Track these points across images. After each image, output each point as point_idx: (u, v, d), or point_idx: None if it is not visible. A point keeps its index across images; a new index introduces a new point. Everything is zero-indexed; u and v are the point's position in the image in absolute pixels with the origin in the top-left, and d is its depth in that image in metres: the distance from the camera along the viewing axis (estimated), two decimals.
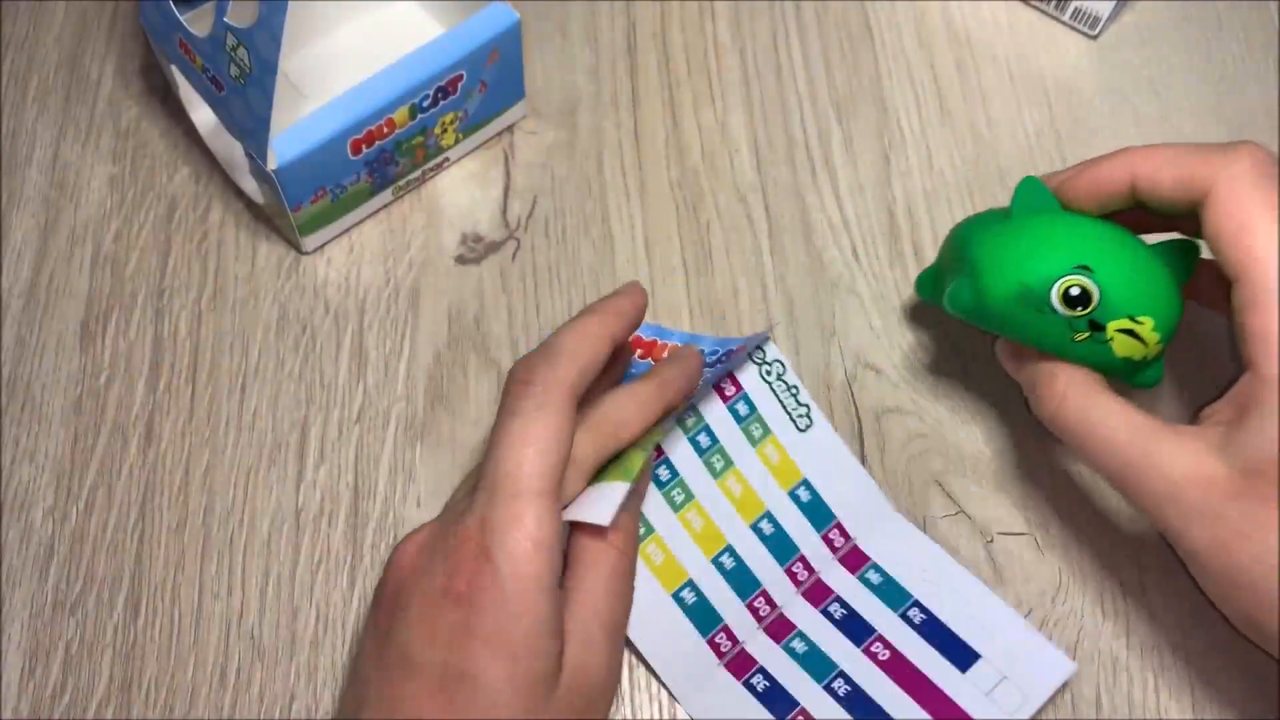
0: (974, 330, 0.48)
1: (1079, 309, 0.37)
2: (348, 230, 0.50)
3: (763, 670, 0.41)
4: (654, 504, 0.42)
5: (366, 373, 0.47)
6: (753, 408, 0.44)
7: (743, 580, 0.42)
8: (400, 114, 0.46)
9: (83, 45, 0.55)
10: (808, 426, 0.45)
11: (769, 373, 0.45)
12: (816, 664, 0.41)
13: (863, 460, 0.45)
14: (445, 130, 0.49)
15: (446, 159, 0.51)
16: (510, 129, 0.53)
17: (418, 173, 0.50)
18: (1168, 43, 0.55)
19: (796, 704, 0.40)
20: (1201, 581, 0.37)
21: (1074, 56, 0.55)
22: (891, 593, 0.42)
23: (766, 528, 0.43)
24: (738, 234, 0.50)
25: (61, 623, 0.42)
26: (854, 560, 0.43)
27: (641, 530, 0.41)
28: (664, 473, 0.43)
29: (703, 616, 0.41)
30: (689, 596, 0.42)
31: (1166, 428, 0.37)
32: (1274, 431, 0.34)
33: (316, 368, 0.47)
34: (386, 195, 0.50)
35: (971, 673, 0.40)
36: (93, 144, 0.52)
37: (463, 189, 0.51)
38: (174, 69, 0.47)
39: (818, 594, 0.43)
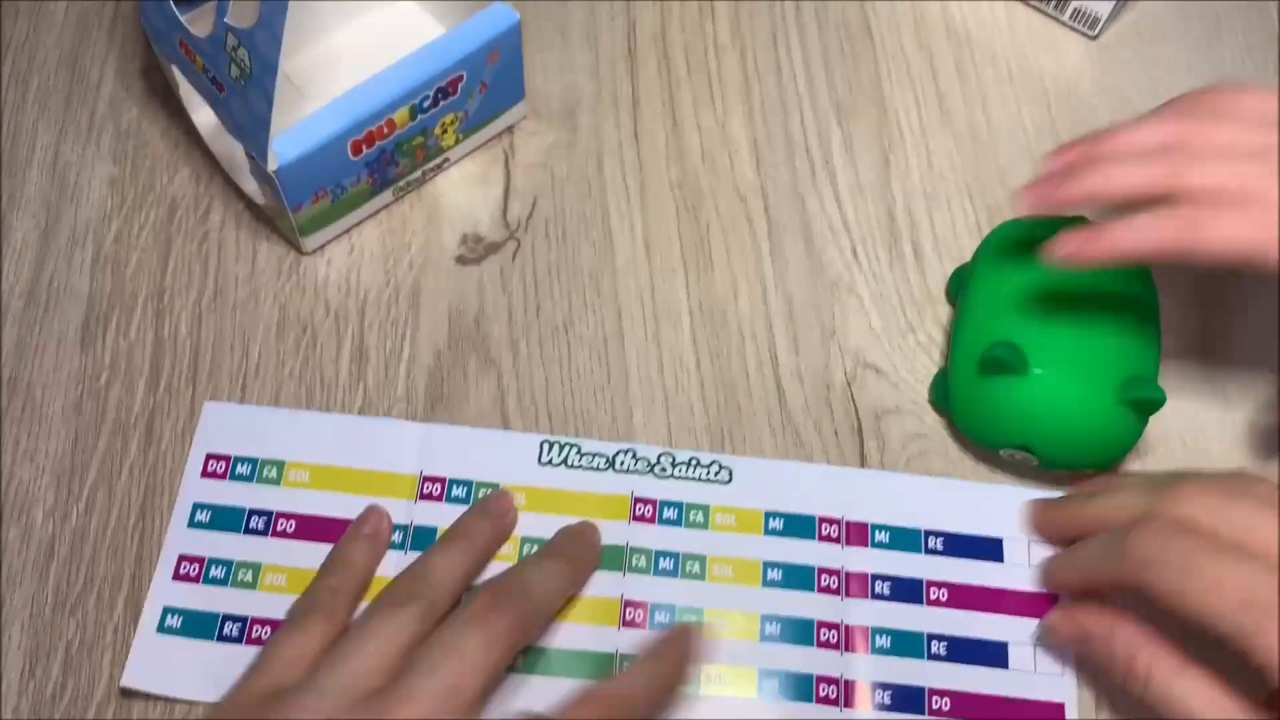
0: None
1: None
2: (348, 231, 0.50)
3: (882, 685, 0.41)
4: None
5: (367, 373, 0.47)
6: (677, 505, 0.44)
7: (798, 631, 0.42)
8: (400, 114, 0.46)
9: (83, 46, 0.55)
10: (729, 479, 0.44)
11: (663, 472, 0.44)
12: (908, 645, 0.42)
13: (861, 461, 0.45)
14: (445, 131, 0.49)
15: (447, 159, 0.51)
16: (510, 129, 0.53)
17: (418, 173, 0.50)
18: (1168, 43, 0.55)
19: (922, 691, 0.41)
20: None
21: (1074, 56, 0.55)
22: (905, 538, 0.43)
23: (775, 575, 0.43)
24: (738, 234, 0.50)
25: (61, 623, 0.42)
26: (858, 534, 0.43)
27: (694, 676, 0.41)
28: (663, 618, 0.42)
29: (793, 688, 0.41)
30: (770, 685, 0.41)
31: (1249, 709, 0.36)
32: None
33: (317, 368, 0.47)
34: (387, 196, 0.50)
35: (1007, 558, 0.43)
36: (93, 145, 0.52)
37: (463, 189, 0.51)
38: (175, 69, 0.47)
39: (857, 586, 0.43)
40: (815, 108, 0.53)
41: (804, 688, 0.41)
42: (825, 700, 0.41)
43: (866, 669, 0.41)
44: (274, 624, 0.41)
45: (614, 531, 0.43)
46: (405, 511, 0.43)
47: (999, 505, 0.44)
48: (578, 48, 0.55)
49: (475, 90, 0.48)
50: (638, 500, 0.44)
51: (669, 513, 0.44)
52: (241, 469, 0.44)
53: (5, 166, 0.51)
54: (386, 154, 0.47)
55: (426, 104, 0.47)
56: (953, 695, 0.41)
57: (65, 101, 0.53)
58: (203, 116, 0.50)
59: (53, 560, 0.43)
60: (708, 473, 0.44)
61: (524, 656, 0.41)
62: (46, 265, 0.49)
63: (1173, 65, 0.55)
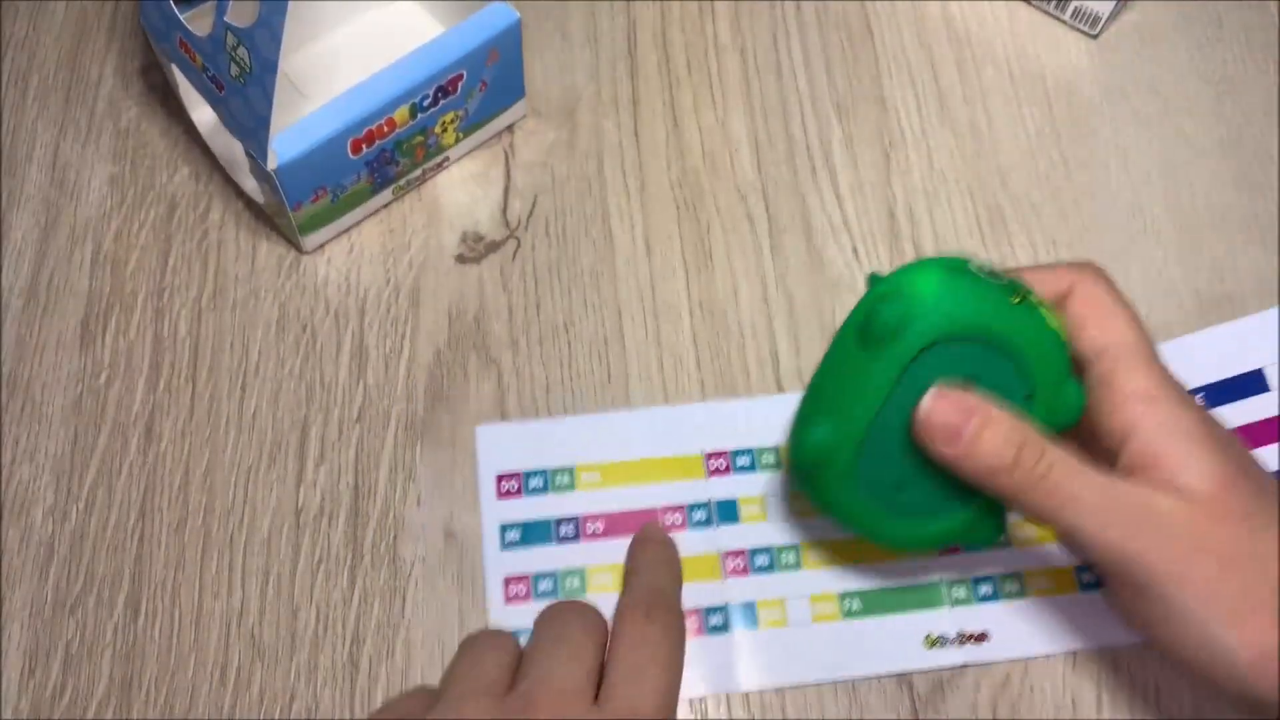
0: None
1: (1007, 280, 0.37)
2: (348, 230, 0.50)
3: None
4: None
5: (366, 372, 0.47)
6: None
7: None
8: (400, 114, 0.46)
9: (83, 45, 0.55)
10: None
11: None
12: None
13: None
14: (445, 130, 0.49)
15: (447, 158, 0.51)
16: (510, 129, 0.53)
17: (418, 172, 0.50)
18: (1168, 43, 0.55)
19: None
20: (1202, 625, 0.35)
21: (1074, 56, 0.55)
22: None
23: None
24: (738, 234, 0.50)
25: (61, 622, 0.42)
26: None
27: None
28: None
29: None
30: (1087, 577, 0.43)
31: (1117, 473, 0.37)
32: (1202, 464, 0.35)
33: (317, 367, 0.47)
34: (386, 195, 0.50)
35: (1273, 384, 0.43)
36: (93, 143, 0.52)
37: (463, 188, 0.51)
38: (174, 69, 0.47)
39: None
40: (815, 107, 0.53)
41: None
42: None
43: None
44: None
45: None
46: (703, 490, 0.45)
47: (1243, 339, 0.43)
48: (578, 48, 0.55)
49: (475, 89, 0.48)
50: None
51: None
52: (535, 482, 0.45)
53: (5, 165, 0.51)
54: (386, 153, 0.47)
55: (426, 103, 0.47)
56: None
57: (65, 100, 0.53)
58: (202, 115, 0.49)
59: (52, 560, 0.43)
60: None
61: (858, 601, 0.42)
62: (46, 264, 0.49)
63: (1173, 65, 0.55)
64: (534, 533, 0.44)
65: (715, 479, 0.45)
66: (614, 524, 0.44)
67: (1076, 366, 0.38)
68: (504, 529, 0.44)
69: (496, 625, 0.42)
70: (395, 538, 0.44)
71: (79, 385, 0.47)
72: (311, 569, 0.43)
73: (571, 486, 0.44)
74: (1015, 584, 0.42)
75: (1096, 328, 0.38)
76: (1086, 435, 0.38)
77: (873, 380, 0.37)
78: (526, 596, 0.43)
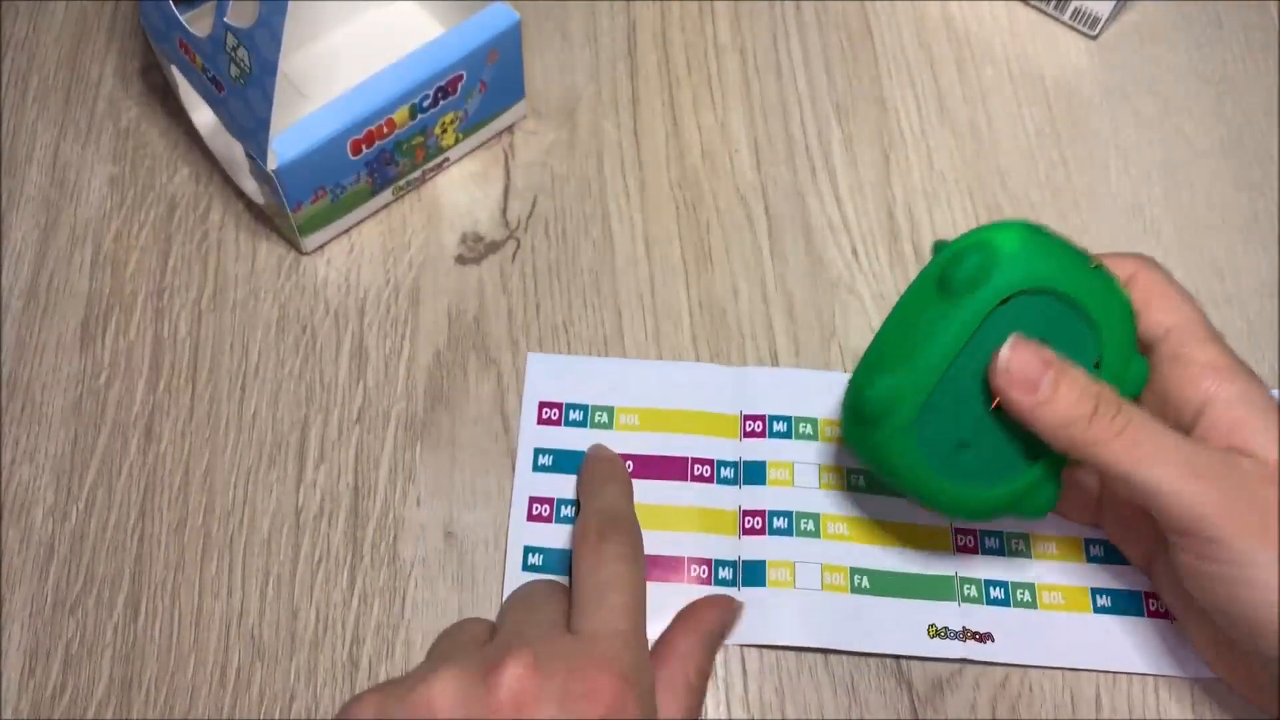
0: None
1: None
2: (348, 230, 0.50)
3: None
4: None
5: (366, 373, 0.47)
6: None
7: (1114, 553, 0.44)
8: (400, 114, 0.46)
9: (83, 45, 0.55)
10: None
11: None
12: None
13: None
14: (445, 130, 0.49)
15: (446, 159, 0.51)
16: (510, 129, 0.53)
17: (418, 173, 0.50)
18: (1168, 43, 0.55)
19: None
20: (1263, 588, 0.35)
21: (1074, 56, 0.55)
22: None
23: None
24: (738, 234, 0.50)
25: (61, 623, 0.42)
26: None
27: None
28: (992, 544, 0.44)
29: (1124, 603, 0.43)
30: (1102, 602, 0.43)
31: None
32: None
33: (316, 368, 0.47)
34: (386, 195, 0.50)
35: None
36: (93, 144, 0.52)
37: (463, 189, 0.51)
38: (174, 69, 0.47)
39: None
40: (815, 107, 0.53)
41: (1134, 603, 0.43)
42: (1155, 614, 0.42)
43: None
44: None
45: None
46: (734, 449, 0.45)
47: None
48: (578, 47, 0.55)
49: (475, 90, 0.48)
50: None
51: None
52: (574, 415, 0.46)
53: (5, 165, 0.51)
54: (386, 153, 0.47)
55: (426, 103, 0.47)
56: None
57: (65, 100, 0.53)
58: (202, 116, 0.50)
59: (52, 560, 0.43)
60: None
61: (868, 579, 0.43)
62: (46, 265, 0.49)
63: (1173, 65, 0.55)
64: (566, 461, 0.45)
65: (749, 441, 0.45)
66: (644, 466, 0.45)
67: (1141, 345, 0.39)
68: (538, 453, 0.45)
69: (517, 541, 0.43)
70: (395, 538, 0.44)
71: (79, 386, 0.47)
72: (311, 569, 0.43)
73: (609, 425, 0.46)
74: (1028, 593, 0.43)
75: (1160, 309, 0.39)
76: (1150, 413, 0.38)
77: (949, 330, 0.37)
78: (549, 518, 0.44)
